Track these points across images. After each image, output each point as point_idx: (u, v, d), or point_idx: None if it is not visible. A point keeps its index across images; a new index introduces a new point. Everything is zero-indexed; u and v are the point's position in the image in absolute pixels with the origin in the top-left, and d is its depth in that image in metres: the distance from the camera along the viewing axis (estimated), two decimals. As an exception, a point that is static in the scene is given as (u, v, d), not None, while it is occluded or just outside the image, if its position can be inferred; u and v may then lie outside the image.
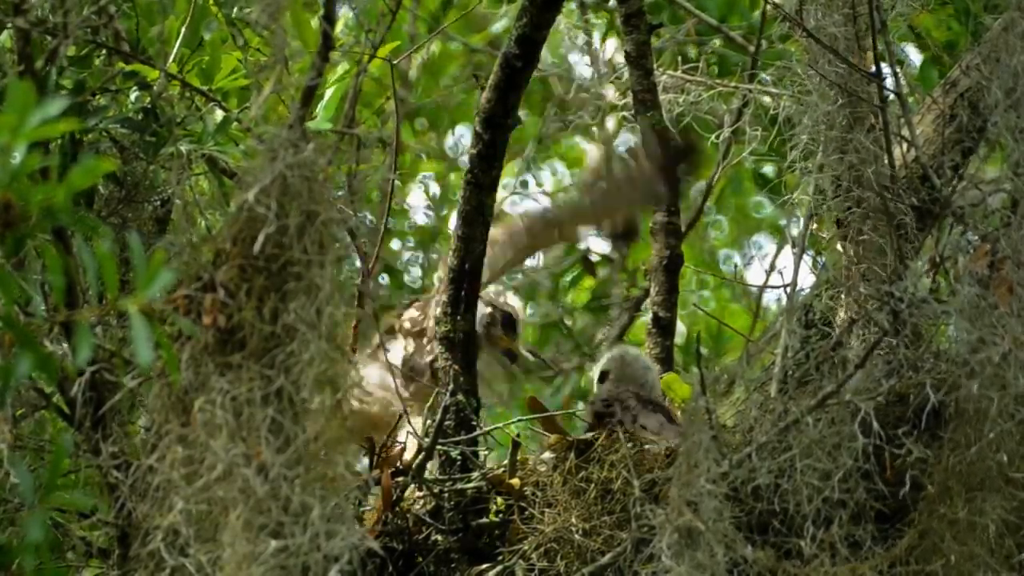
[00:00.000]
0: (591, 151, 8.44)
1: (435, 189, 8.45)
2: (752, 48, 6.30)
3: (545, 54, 7.48)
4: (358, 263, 4.56)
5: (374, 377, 4.97)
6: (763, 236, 8.58)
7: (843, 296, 4.45)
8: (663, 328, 5.19)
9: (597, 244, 8.17)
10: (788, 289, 4.73)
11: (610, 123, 7.88)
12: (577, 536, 4.35)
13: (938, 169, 4.49)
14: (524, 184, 8.46)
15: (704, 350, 5.97)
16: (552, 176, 8.90)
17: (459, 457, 4.53)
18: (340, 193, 3.96)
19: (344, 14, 4.67)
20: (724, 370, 4.55)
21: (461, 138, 8.37)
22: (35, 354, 3.14)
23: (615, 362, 4.92)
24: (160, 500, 3.72)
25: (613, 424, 4.52)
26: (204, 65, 4.50)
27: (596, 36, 7.36)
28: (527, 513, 4.42)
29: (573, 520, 4.36)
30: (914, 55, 5.94)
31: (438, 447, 4.47)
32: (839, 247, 4.46)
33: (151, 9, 4.55)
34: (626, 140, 7.58)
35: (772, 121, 4.67)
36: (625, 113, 5.37)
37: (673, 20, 6.69)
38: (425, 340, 5.00)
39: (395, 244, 8.18)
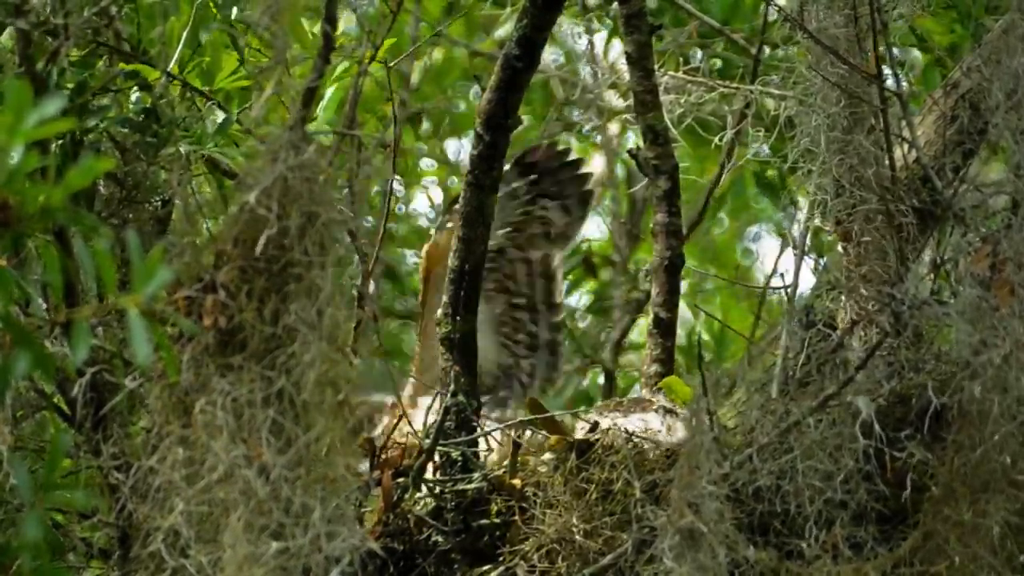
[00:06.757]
0: (596, 160, 8.45)
1: (438, 196, 8.45)
2: (754, 51, 6.31)
3: (547, 56, 7.50)
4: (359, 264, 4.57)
5: None
6: (763, 226, 8.56)
7: (844, 297, 4.45)
8: (664, 329, 5.17)
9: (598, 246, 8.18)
10: (789, 290, 4.72)
11: (613, 127, 7.88)
12: (578, 537, 4.35)
13: (939, 171, 4.48)
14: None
15: (706, 352, 5.96)
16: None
17: (460, 458, 4.53)
18: (342, 192, 3.97)
19: (345, 16, 4.66)
20: (726, 372, 4.55)
21: (463, 147, 8.36)
22: (33, 353, 3.15)
23: None
24: (161, 501, 3.72)
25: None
26: (205, 66, 4.51)
27: (599, 38, 7.35)
28: (528, 514, 4.42)
29: (574, 521, 4.36)
30: (916, 58, 5.94)
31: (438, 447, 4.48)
32: (840, 248, 4.46)
33: (152, 10, 4.56)
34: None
35: (774, 123, 4.67)
36: (628, 116, 5.37)
37: (676, 23, 6.68)
38: None
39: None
